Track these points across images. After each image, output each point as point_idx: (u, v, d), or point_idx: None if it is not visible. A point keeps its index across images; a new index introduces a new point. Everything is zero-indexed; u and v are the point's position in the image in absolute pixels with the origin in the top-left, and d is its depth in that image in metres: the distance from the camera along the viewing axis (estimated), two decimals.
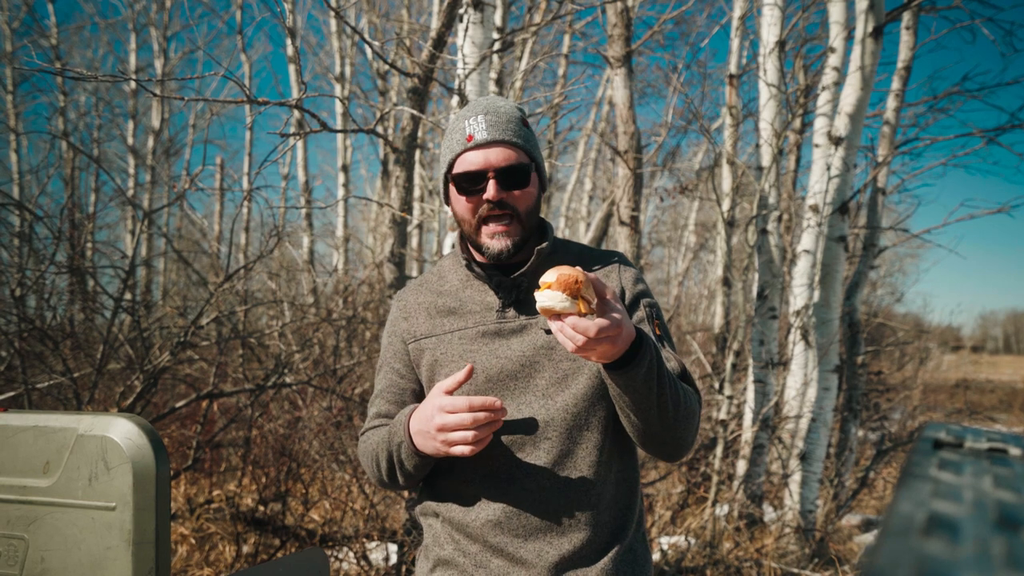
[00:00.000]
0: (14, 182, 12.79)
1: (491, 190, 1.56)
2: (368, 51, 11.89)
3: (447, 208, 1.70)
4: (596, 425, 1.57)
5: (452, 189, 1.62)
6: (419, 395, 1.70)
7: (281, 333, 5.95)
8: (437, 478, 1.64)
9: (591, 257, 1.73)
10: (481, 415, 1.41)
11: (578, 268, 1.35)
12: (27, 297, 4.67)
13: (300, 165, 13.10)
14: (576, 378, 1.57)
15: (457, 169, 1.59)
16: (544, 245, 1.62)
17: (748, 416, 6.21)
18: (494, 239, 1.59)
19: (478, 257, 1.68)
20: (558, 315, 1.33)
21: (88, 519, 1.67)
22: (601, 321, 1.31)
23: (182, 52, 17.25)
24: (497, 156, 1.57)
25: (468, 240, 1.65)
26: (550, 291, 1.32)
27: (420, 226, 11.31)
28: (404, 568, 4.09)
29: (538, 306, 1.34)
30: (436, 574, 1.61)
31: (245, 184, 13.75)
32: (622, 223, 5.12)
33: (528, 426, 1.56)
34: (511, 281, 1.62)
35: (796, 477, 5.82)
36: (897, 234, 9.53)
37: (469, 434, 1.41)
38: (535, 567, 1.51)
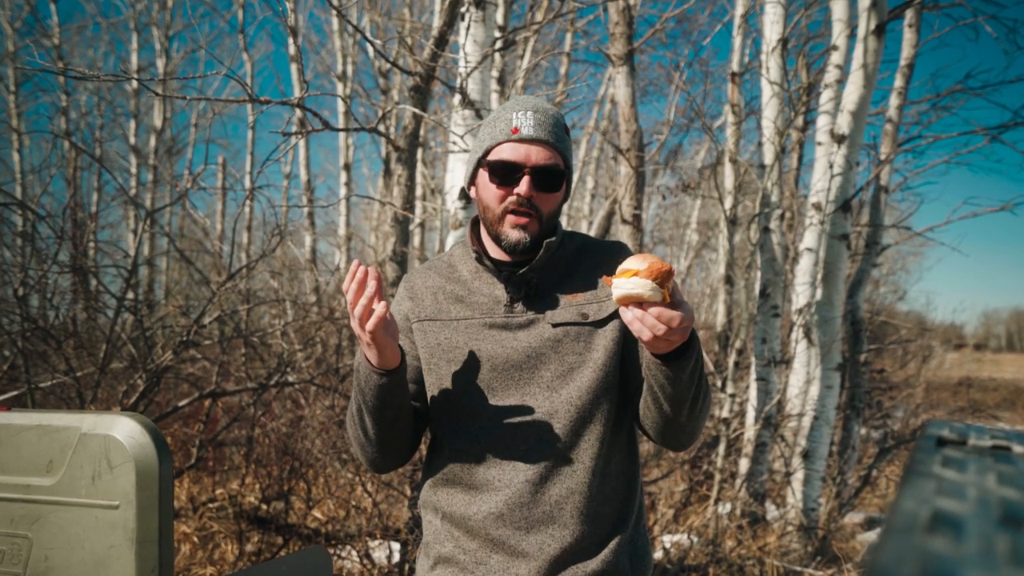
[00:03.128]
0: (16, 182, 12.80)
1: (524, 186, 1.58)
2: (370, 50, 11.89)
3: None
4: (599, 418, 1.58)
5: (484, 175, 1.63)
6: (420, 374, 1.68)
7: (283, 332, 5.95)
8: (439, 468, 1.64)
9: (595, 247, 1.73)
10: (353, 283, 1.44)
11: (658, 257, 1.37)
12: (30, 297, 4.68)
13: (302, 164, 13.10)
14: (581, 371, 1.58)
15: (495, 156, 1.61)
16: (553, 239, 1.63)
17: (751, 414, 6.21)
18: (515, 229, 1.60)
19: (490, 251, 1.69)
20: (639, 303, 1.34)
21: (91, 518, 1.67)
22: (683, 312, 1.34)
23: (184, 51, 17.24)
24: (538, 154, 1.59)
25: (488, 228, 1.66)
26: (638, 278, 1.33)
27: (422, 225, 11.31)
28: (407, 567, 4.09)
29: (621, 293, 1.34)
30: (437, 571, 1.62)
31: (247, 183, 13.76)
32: (624, 221, 5.11)
33: (532, 418, 1.57)
34: (520, 276, 1.62)
35: (799, 475, 5.82)
36: (900, 232, 9.52)
37: (359, 306, 1.44)
38: (536, 560, 1.52)
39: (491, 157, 1.61)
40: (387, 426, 1.59)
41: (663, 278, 1.32)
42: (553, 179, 1.60)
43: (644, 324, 1.34)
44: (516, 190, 1.58)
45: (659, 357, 1.43)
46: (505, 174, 1.59)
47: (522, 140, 1.58)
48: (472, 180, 1.70)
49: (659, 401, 1.49)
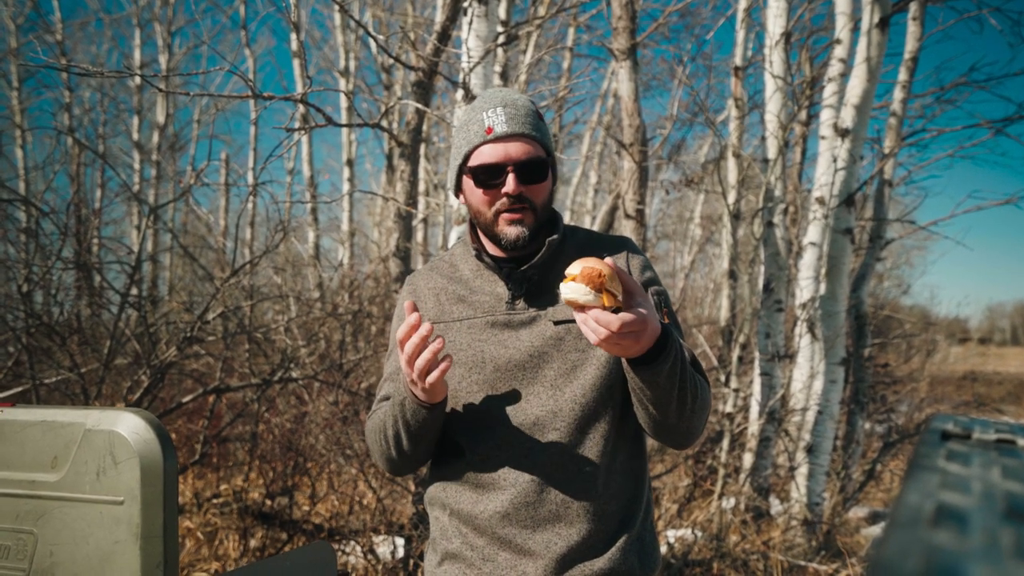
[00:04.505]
0: (20, 178, 12.83)
1: (511, 184, 1.56)
2: (372, 45, 11.88)
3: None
4: (604, 415, 1.57)
5: (468, 181, 1.62)
6: None
7: (287, 328, 5.96)
8: (445, 468, 1.64)
9: (598, 243, 1.72)
10: (413, 335, 1.40)
11: (604, 261, 1.35)
12: (34, 293, 4.69)
13: (305, 160, 13.10)
14: (584, 369, 1.57)
15: (474, 162, 1.59)
16: (555, 237, 1.62)
17: (754, 409, 6.20)
18: (511, 226, 1.59)
19: (489, 249, 1.68)
20: (582, 307, 1.33)
21: (96, 513, 1.68)
22: (625, 316, 1.31)
23: (186, 47, 17.24)
24: (517, 150, 1.57)
25: (483, 231, 1.65)
26: (574, 283, 1.32)
27: (425, 220, 11.30)
28: (411, 562, 4.10)
29: (563, 298, 1.34)
30: (444, 567, 1.62)
31: (250, 179, 13.76)
32: (627, 216, 5.10)
33: (537, 417, 1.56)
34: (521, 273, 1.61)
35: (803, 470, 5.81)
36: (904, 226, 9.50)
37: (422, 360, 1.40)
38: (543, 558, 1.51)
39: (472, 163, 1.59)
40: (425, 447, 1.60)
41: (596, 282, 1.31)
42: (537, 170, 1.58)
43: (588, 328, 1.33)
44: (504, 190, 1.56)
45: (630, 362, 1.41)
46: (488, 177, 1.57)
47: (498, 139, 1.56)
48: (458, 187, 1.68)
49: (643, 403, 1.48)
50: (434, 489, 1.67)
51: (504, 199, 1.57)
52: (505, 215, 1.58)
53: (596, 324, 1.31)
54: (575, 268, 1.34)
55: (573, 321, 1.59)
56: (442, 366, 1.41)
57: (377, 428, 1.63)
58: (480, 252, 1.64)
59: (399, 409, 1.54)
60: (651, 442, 5.86)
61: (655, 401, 1.45)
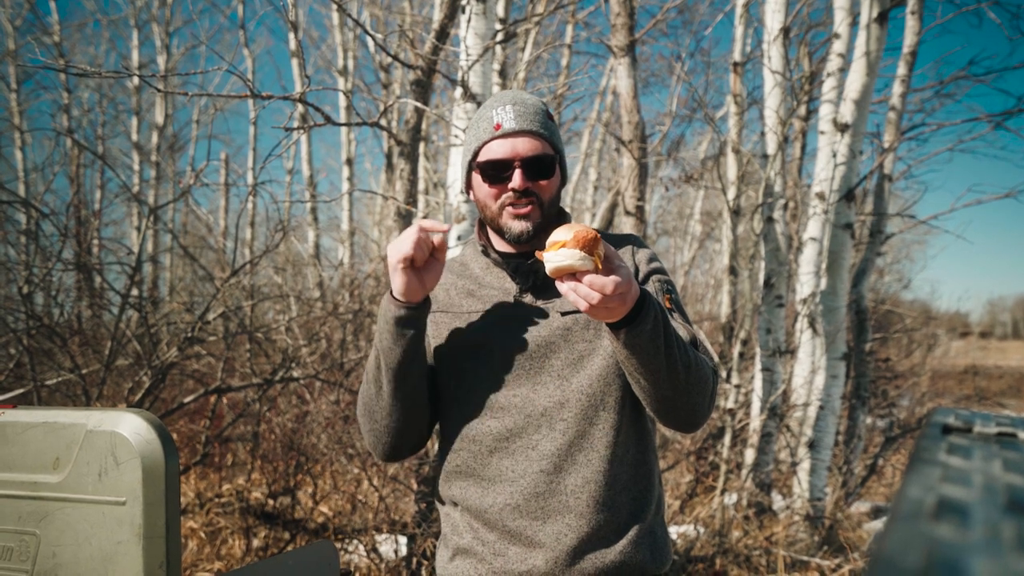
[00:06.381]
0: (19, 180, 12.82)
1: (517, 179, 1.58)
2: (371, 44, 11.87)
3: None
4: (612, 405, 1.58)
5: (477, 177, 1.65)
6: (430, 368, 1.69)
7: (288, 327, 5.96)
8: (454, 461, 1.64)
9: (605, 239, 1.73)
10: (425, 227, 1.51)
11: (586, 225, 1.35)
12: (35, 294, 4.69)
13: (304, 159, 13.10)
14: (591, 359, 1.58)
15: (483, 157, 1.62)
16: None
17: (756, 405, 6.20)
18: (516, 220, 1.61)
19: (496, 244, 1.71)
20: (572, 274, 1.32)
21: (98, 514, 1.68)
22: (615, 277, 1.31)
23: (184, 48, 17.23)
24: (524, 146, 1.59)
25: (490, 225, 1.68)
26: (566, 249, 1.31)
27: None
28: (414, 560, 4.10)
29: (552, 266, 1.33)
30: (456, 562, 1.62)
31: (250, 179, 13.76)
32: (627, 213, 5.10)
33: (545, 407, 1.57)
34: (529, 267, 1.64)
35: (805, 465, 5.82)
36: (904, 220, 9.48)
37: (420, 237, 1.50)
38: (553, 551, 1.52)
39: (480, 158, 1.62)
40: (405, 388, 1.59)
41: (591, 246, 1.31)
42: (544, 166, 1.61)
43: (579, 294, 1.32)
44: (511, 185, 1.59)
45: (611, 327, 1.41)
46: (496, 172, 1.60)
47: (506, 135, 1.59)
48: (468, 183, 1.71)
49: (633, 375, 1.48)
50: (442, 484, 1.68)
51: (510, 194, 1.60)
52: (510, 209, 1.61)
53: (589, 289, 1.31)
54: (564, 234, 1.33)
55: (581, 312, 1.60)
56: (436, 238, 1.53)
57: (364, 384, 1.66)
58: (487, 248, 1.67)
59: (380, 319, 1.58)
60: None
61: (643, 368, 1.44)
